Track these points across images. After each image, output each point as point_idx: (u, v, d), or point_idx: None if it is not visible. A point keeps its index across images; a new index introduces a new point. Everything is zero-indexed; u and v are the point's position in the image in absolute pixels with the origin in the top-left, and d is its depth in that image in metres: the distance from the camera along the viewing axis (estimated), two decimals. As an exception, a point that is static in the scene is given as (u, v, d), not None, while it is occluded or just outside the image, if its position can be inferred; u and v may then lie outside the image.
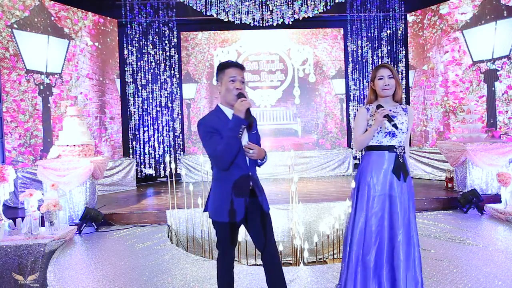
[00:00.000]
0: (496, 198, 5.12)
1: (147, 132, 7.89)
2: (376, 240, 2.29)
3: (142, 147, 7.87)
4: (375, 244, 2.29)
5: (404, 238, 2.26)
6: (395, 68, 7.86)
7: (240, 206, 2.13)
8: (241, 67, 2.18)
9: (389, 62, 7.91)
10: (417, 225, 2.37)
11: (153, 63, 7.84)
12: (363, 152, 2.48)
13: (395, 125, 2.28)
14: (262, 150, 2.21)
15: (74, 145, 5.18)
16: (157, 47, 7.84)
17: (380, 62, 7.91)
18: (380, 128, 2.32)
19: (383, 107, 2.29)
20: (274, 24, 7.07)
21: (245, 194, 2.15)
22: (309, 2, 6.87)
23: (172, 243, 4.53)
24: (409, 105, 7.65)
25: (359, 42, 8.02)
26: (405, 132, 2.35)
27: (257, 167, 2.29)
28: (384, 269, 2.27)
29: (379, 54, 7.96)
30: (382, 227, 2.29)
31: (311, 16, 7.01)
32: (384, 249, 2.28)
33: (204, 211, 2.30)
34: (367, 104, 2.46)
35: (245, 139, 2.16)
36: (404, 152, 2.39)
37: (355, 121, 2.47)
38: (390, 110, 2.35)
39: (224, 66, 2.17)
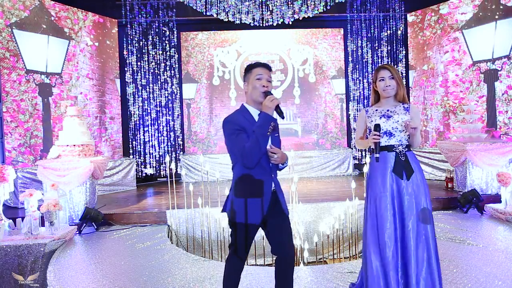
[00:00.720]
0: (496, 198, 5.12)
1: (147, 132, 7.89)
2: (391, 241, 2.26)
3: (142, 147, 7.88)
4: (391, 245, 2.26)
5: (414, 239, 2.24)
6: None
7: (262, 207, 2.10)
8: (268, 67, 2.20)
9: (389, 62, 7.91)
10: (431, 225, 2.29)
11: (153, 63, 7.84)
12: (370, 154, 2.50)
13: (377, 158, 2.32)
14: (284, 154, 2.20)
15: (74, 145, 5.18)
16: (157, 47, 7.84)
17: (380, 62, 7.91)
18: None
19: (379, 129, 2.29)
20: (274, 24, 7.07)
21: (267, 196, 2.13)
22: (309, 2, 6.86)
23: (172, 243, 4.53)
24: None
25: (359, 42, 8.02)
26: (402, 130, 2.36)
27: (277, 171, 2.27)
28: (399, 270, 2.25)
29: (379, 54, 7.96)
30: (395, 228, 2.27)
31: (311, 16, 7.01)
32: (398, 249, 2.26)
33: (223, 211, 2.26)
34: (369, 106, 2.52)
35: (268, 142, 2.13)
36: (407, 150, 2.37)
37: (356, 123, 2.55)
38: (388, 110, 2.41)
39: (251, 67, 2.20)
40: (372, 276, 2.26)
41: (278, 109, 2.08)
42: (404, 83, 7.88)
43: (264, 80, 2.14)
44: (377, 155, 2.30)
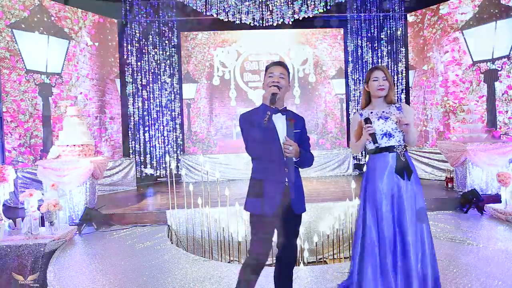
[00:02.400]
0: (496, 198, 5.12)
1: (147, 132, 7.88)
2: (390, 242, 2.28)
3: (142, 147, 7.87)
4: (390, 247, 2.28)
5: (413, 237, 2.25)
6: (395, 68, 7.88)
7: (272, 200, 2.11)
8: (280, 64, 2.26)
9: (389, 62, 7.91)
10: (427, 224, 2.34)
11: (153, 63, 7.84)
12: (367, 157, 2.50)
13: (377, 146, 2.34)
14: (298, 149, 2.15)
15: (74, 145, 5.18)
16: (157, 47, 7.83)
17: (380, 62, 7.91)
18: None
19: (370, 122, 2.32)
20: (274, 24, 7.07)
21: (278, 190, 2.13)
22: (309, 2, 6.86)
23: (172, 243, 4.53)
24: (409, 105, 7.69)
25: (359, 42, 8.02)
26: (401, 131, 2.38)
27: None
28: (398, 269, 2.27)
29: (379, 54, 7.96)
30: (394, 229, 2.29)
31: (311, 16, 7.01)
32: (397, 250, 2.28)
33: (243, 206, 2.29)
34: (361, 109, 2.53)
35: (282, 134, 2.17)
36: (406, 151, 2.40)
37: (351, 128, 2.56)
38: (383, 112, 2.42)
39: (267, 67, 2.28)
40: (368, 279, 2.28)
41: (272, 96, 2.12)
42: (404, 83, 7.91)
43: (275, 77, 2.20)
44: (377, 144, 2.34)
